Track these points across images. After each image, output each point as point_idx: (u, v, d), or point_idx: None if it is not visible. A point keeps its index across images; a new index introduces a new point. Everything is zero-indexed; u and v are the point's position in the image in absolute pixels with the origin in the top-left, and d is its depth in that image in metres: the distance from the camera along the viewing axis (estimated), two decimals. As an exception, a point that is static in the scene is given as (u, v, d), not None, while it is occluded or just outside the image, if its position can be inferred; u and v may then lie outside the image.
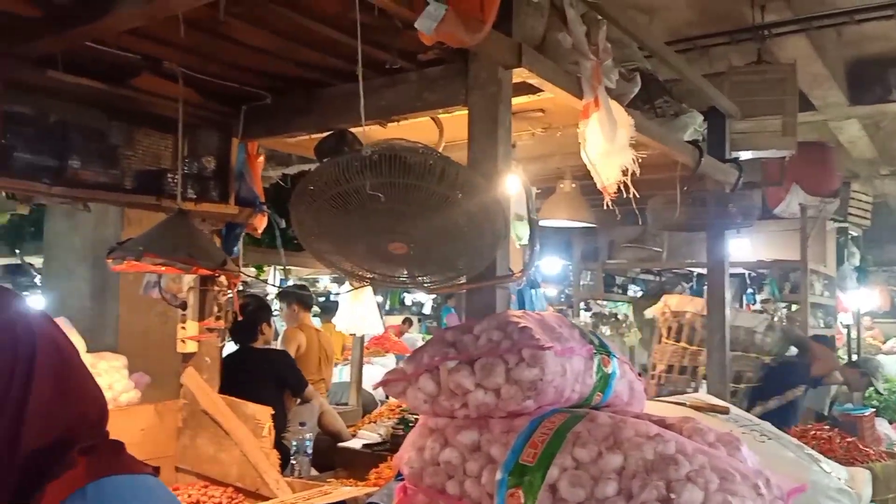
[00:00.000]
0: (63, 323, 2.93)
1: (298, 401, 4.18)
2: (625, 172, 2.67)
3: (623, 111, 2.67)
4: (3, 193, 4.27)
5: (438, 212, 1.96)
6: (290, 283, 7.93)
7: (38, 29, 2.17)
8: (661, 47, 3.23)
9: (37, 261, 4.46)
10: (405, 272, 2.19)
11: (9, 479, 1.00)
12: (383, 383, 1.86)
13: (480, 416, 1.75)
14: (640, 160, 2.69)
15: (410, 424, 3.92)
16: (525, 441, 1.66)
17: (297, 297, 5.54)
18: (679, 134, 3.41)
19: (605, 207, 2.77)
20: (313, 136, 2.81)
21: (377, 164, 1.87)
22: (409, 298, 15.45)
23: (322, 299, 10.39)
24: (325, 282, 11.97)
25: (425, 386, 1.78)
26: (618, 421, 1.64)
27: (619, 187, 2.69)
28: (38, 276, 4.74)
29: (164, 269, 2.48)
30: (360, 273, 2.18)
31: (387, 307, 14.13)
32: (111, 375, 2.94)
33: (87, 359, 2.92)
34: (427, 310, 15.39)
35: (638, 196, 2.76)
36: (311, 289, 8.70)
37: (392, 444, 3.85)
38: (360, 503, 2.43)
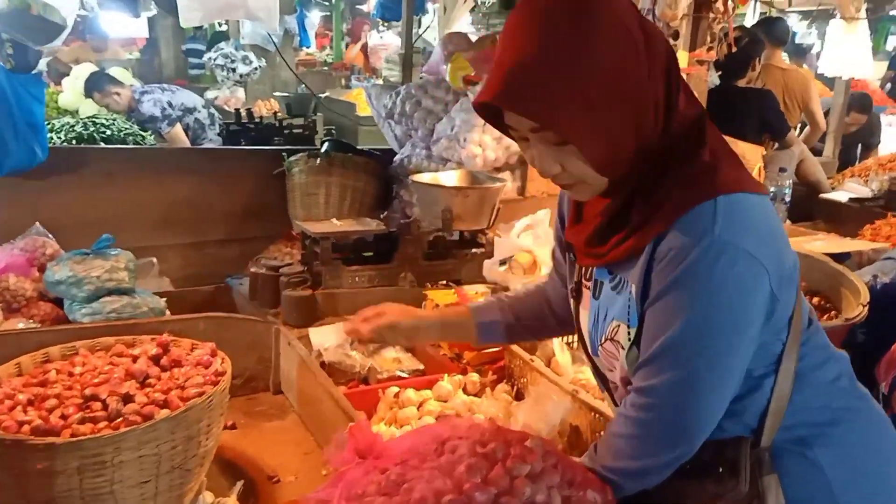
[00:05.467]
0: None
1: (776, 145, 3.89)
2: None
3: None
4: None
5: None
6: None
7: None
8: None
9: None
10: None
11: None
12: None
13: None
14: None
15: (915, 181, 3.39)
16: None
17: (767, 31, 4.88)
18: None
19: None
20: None
21: None
22: (892, 42, 12.79)
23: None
24: (792, 20, 10.51)
25: None
26: None
27: None
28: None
29: (669, -9, 2.35)
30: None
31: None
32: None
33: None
34: (917, 57, 12.59)
35: None
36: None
37: (887, 199, 3.40)
38: (865, 258, 2.23)
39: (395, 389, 1.81)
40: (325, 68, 11.32)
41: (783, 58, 4.80)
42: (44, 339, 1.67)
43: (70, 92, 6.18)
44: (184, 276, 3.39)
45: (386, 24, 10.54)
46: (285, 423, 1.85)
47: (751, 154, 2.75)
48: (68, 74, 6.59)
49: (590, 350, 1.27)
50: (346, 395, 1.73)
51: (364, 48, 10.94)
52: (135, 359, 1.50)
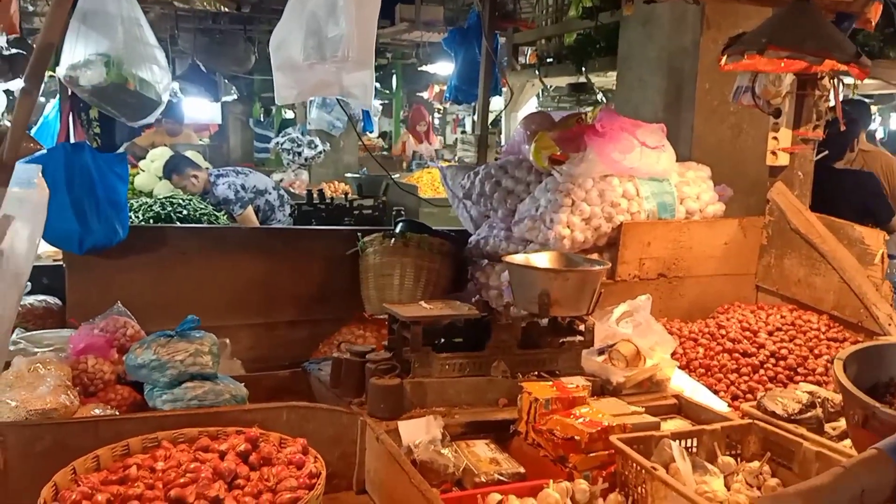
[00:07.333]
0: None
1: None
2: None
3: None
4: (575, 11, 4.48)
5: None
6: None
7: None
8: None
9: (597, 79, 4.65)
10: None
11: None
12: None
13: None
14: None
15: None
16: None
17: (858, 114, 4.71)
18: None
19: None
20: None
21: None
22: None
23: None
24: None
25: None
26: None
27: None
28: (600, 94, 4.96)
29: (783, 64, 2.21)
30: None
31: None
32: (698, 185, 2.89)
33: (675, 167, 2.92)
34: None
35: None
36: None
37: None
38: None
39: (497, 497, 1.61)
40: (385, 153, 11.59)
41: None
42: (123, 427, 1.54)
43: (146, 174, 6.33)
44: (253, 357, 3.28)
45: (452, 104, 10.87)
46: (373, 530, 1.67)
47: (871, 238, 2.53)
48: (144, 158, 6.78)
49: None
50: (443, 501, 1.54)
51: (403, 146, 11.50)
52: (222, 455, 1.35)
